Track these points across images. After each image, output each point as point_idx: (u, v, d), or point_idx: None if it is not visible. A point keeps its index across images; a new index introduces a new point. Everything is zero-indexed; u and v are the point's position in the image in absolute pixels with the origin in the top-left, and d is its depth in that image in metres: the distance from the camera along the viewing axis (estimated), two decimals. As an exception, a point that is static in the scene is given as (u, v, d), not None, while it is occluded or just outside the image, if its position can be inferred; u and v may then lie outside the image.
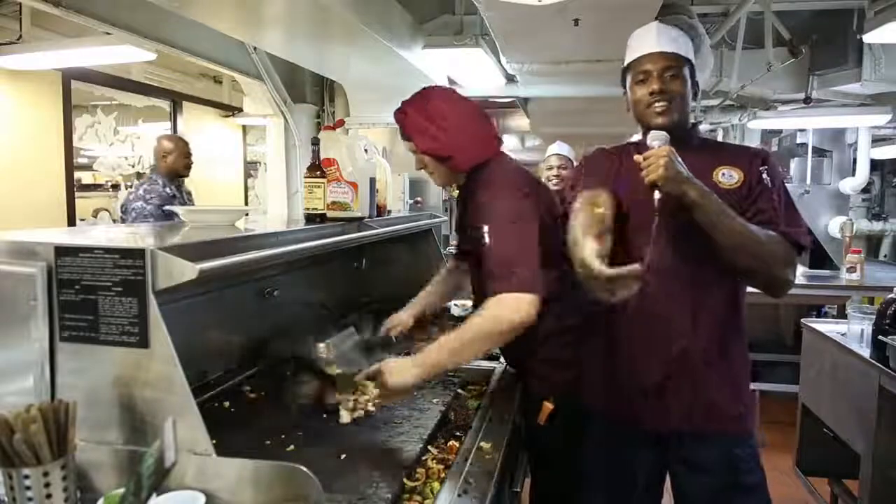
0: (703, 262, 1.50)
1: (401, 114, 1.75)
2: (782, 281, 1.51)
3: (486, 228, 1.61)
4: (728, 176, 1.54)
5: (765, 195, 1.52)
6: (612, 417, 1.65)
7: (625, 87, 1.65)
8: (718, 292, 1.55)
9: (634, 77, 1.58)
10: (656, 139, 1.46)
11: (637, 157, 1.44)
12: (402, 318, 2.10)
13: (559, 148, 3.87)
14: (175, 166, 3.79)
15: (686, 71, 1.56)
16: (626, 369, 1.60)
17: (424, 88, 1.80)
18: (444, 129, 1.69)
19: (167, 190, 3.72)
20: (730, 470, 1.54)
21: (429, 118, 1.70)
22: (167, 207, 3.55)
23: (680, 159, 1.41)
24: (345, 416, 1.45)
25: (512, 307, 1.49)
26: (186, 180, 4.04)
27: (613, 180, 1.63)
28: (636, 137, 1.76)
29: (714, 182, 1.52)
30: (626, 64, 1.63)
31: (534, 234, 1.58)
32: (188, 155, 3.84)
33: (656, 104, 1.53)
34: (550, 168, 3.77)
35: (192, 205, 3.92)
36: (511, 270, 1.52)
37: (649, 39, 1.56)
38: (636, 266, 1.39)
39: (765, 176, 1.53)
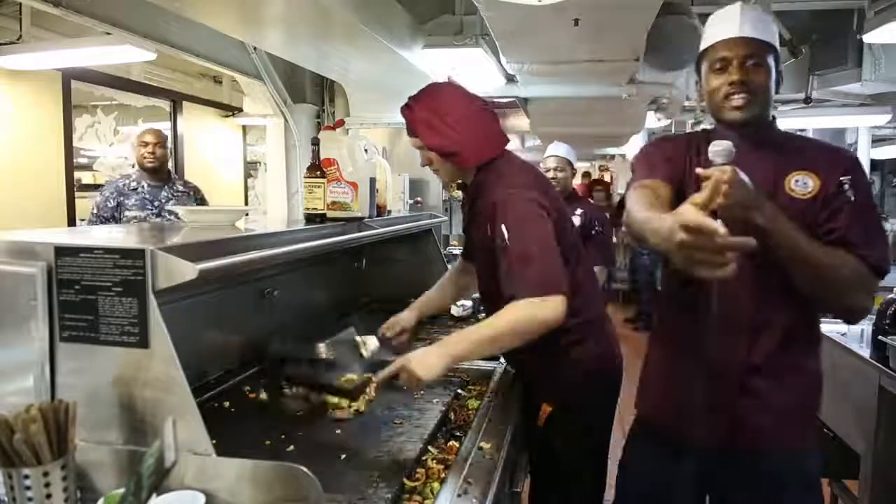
0: (770, 276, 1.36)
1: (407, 109, 1.73)
2: (857, 309, 1.40)
3: (504, 229, 1.57)
4: (802, 184, 1.37)
5: (843, 211, 1.35)
6: (657, 429, 1.55)
7: (699, 76, 1.49)
8: (787, 307, 1.40)
9: (711, 65, 1.41)
10: (719, 154, 1.28)
11: (699, 171, 1.27)
12: (405, 318, 2.04)
13: (556, 149, 3.75)
14: (138, 160, 3.55)
15: (770, 59, 1.39)
16: (680, 383, 1.48)
17: (431, 84, 1.78)
18: (449, 125, 1.67)
19: (135, 185, 3.51)
20: (780, 488, 1.42)
21: (435, 113, 1.68)
22: (131, 205, 3.40)
23: (746, 179, 1.24)
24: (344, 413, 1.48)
25: (547, 308, 1.49)
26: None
27: (688, 173, 1.46)
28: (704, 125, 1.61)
29: (786, 191, 1.38)
30: (702, 49, 1.46)
31: (551, 233, 1.59)
32: (145, 144, 3.50)
33: (735, 96, 1.37)
34: (548, 170, 3.68)
35: (188, 204, 3.60)
36: (538, 272, 1.52)
37: (730, 23, 1.39)
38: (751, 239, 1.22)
39: (846, 187, 1.35)
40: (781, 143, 1.45)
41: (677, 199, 1.34)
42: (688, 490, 1.50)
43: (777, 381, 1.41)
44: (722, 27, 1.41)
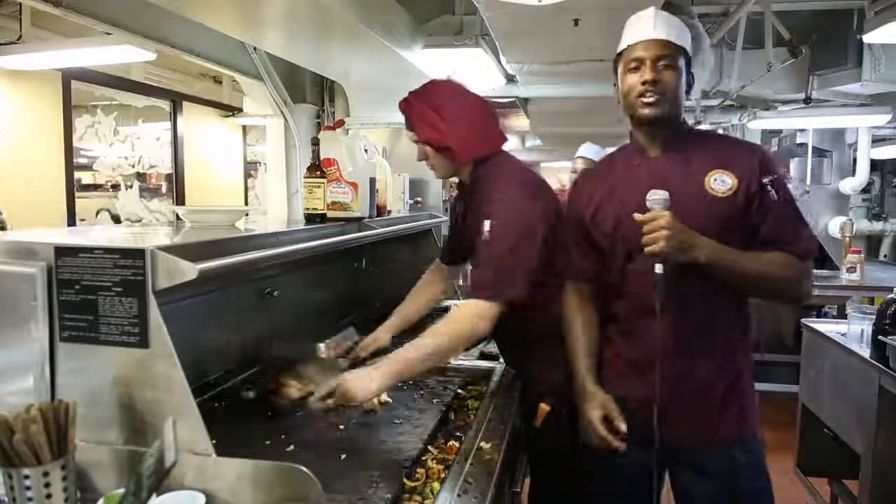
0: (710, 283, 1.45)
1: (405, 103, 1.76)
2: (800, 297, 1.54)
3: (486, 224, 1.61)
4: (721, 182, 1.45)
5: (772, 212, 1.45)
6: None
7: (616, 77, 1.56)
8: (726, 306, 1.50)
9: (626, 65, 1.49)
10: (656, 202, 1.39)
11: (637, 217, 1.39)
12: (379, 338, 1.96)
13: (587, 150, 3.94)
14: None
15: (681, 62, 1.47)
16: (630, 384, 1.55)
17: (431, 80, 1.80)
18: (445, 119, 1.69)
19: None
20: (732, 475, 1.50)
21: (431, 107, 1.71)
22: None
23: (681, 226, 1.35)
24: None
25: (475, 316, 1.54)
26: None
27: (606, 198, 1.57)
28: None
29: (706, 189, 1.46)
30: (618, 51, 1.54)
31: (531, 239, 1.59)
32: None
33: (647, 94, 1.44)
34: (575, 171, 3.89)
35: None
36: (491, 275, 1.56)
37: (645, 26, 1.47)
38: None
39: (769, 188, 1.45)
40: (697, 143, 1.54)
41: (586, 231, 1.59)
42: (647, 476, 1.57)
43: (717, 383, 1.49)
44: (637, 29, 1.48)
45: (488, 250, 1.59)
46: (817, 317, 4.50)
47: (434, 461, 1.41)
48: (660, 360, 1.46)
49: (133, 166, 5.72)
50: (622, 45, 1.52)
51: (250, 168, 6.68)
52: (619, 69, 1.53)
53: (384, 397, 1.71)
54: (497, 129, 1.80)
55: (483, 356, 2.13)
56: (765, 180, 1.45)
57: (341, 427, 1.56)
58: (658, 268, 1.38)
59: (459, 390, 1.87)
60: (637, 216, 1.39)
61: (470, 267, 1.89)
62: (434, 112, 1.70)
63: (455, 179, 1.92)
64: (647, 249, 1.37)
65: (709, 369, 1.49)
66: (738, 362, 1.52)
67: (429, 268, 2.19)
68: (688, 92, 1.51)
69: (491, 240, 1.59)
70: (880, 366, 2.27)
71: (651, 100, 1.44)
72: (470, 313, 1.56)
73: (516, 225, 1.59)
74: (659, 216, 1.36)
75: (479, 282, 1.60)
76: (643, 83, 1.44)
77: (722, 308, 1.50)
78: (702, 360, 1.48)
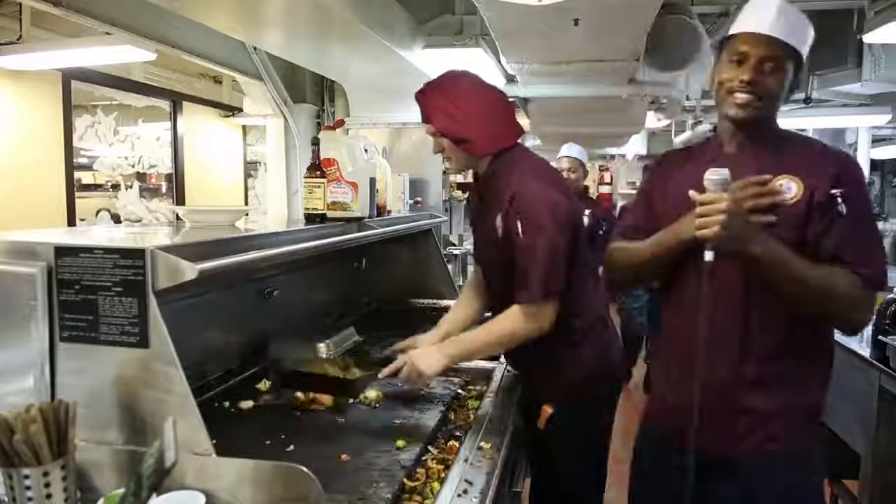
0: (757, 295, 1.33)
1: (421, 94, 1.71)
2: (855, 323, 1.39)
3: (518, 223, 1.58)
4: (786, 188, 1.31)
5: (834, 227, 1.29)
6: (652, 433, 1.55)
7: (716, 59, 1.40)
8: (775, 326, 1.35)
9: (730, 54, 1.33)
10: (714, 183, 1.25)
11: (692, 195, 1.27)
12: (426, 339, 1.85)
13: (569, 150, 3.92)
14: None
15: (790, 66, 1.32)
16: (668, 387, 1.48)
17: (447, 72, 1.75)
18: (462, 110, 1.65)
19: None
20: (752, 492, 1.40)
21: (448, 98, 1.66)
22: None
23: (742, 213, 1.24)
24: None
25: (534, 317, 1.60)
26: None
27: (675, 186, 1.45)
28: (704, 128, 1.62)
29: None
30: (727, 34, 1.37)
31: (561, 234, 1.59)
32: None
33: (740, 94, 1.31)
34: (561, 171, 3.82)
35: None
36: (538, 277, 1.57)
37: (763, 16, 1.29)
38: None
39: (838, 200, 1.28)
40: (777, 144, 1.40)
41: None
42: (684, 491, 1.47)
43: (766, 395, 1.37)
44: (753, 18, 1.31)
45: (524, 251, 1.58)
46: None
47: (434, 461, 1.41)
48: (696, 359, 1.35)
49: (133, 166, 5.72)
50: (732, 30, 1.35)
51: (250, 168, 6.68)
52: (722, 55, 1.37)
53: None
54: (514, 122, 1.76)
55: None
56: (834, 191, 1.28)
57: (339, 431, 1.56)
58: (708, 255, 1.24)
59: (459, 390, 1.87)
60: (693, 194, 1.27)
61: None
62: (451, 102, 1.65)
63: (454, 179, 1.91)
64: (698, 233, 1.24)
65: (741, 377, 1.36)
66: (784, 374, 1.38)
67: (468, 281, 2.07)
68: (788, 97, 1.39)
69: (524, 240, 1.58)
70: (880, 366, 2.28)
71: (743, 101, 1.32)
72: (514, 314, 1.62)
73: (544, 223, 1.57)
74: (718, 199, 1.23)
75: (521, 284, 1.59)
76: (740, 81, 1.31)
77: (774, 311, 1.35)
78: (735, 366, 1.36)
